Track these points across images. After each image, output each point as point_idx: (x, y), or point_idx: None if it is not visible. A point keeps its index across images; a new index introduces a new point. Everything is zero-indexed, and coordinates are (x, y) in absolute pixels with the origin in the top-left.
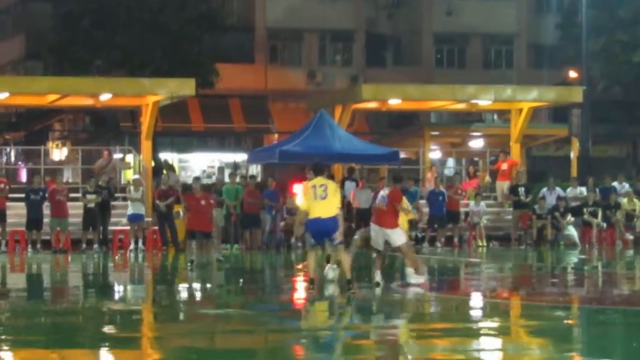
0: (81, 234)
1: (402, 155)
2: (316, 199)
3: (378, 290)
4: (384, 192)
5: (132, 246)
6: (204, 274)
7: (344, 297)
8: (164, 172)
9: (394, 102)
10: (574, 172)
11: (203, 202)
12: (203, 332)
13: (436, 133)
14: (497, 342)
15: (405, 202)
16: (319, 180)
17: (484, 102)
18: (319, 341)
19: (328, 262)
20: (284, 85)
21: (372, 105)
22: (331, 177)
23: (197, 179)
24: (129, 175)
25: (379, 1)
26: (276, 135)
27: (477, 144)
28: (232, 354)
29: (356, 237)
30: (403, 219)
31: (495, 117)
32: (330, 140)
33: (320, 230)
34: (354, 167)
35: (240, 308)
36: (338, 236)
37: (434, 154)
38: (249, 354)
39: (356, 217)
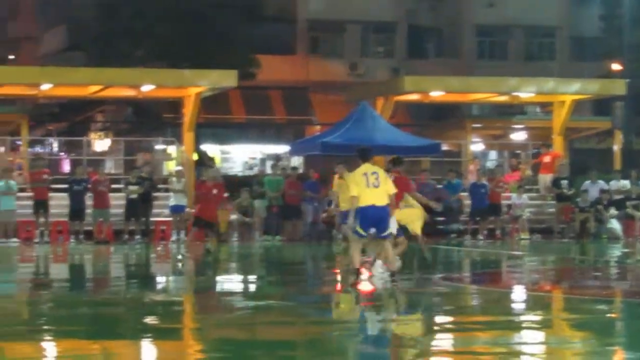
0: (123, 225)
1: (444, 147)
2: (369, 186)
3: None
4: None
5: (173, 237)
6: (244, 265)
7: (389, 288)
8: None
9: (436, 94)
10: (616, 164)
11: (215, 192)
12: (243, 324)
13: (478, 125)
14: (539, 335)
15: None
16: (369, 167)
17: (526, 94)
18: (360, 333)
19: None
20: (325, 76)
21: (414, 97)
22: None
23: (211, 168)
24: (171, 166)
25: None
26: (317, 127)
27: (519, 136)
28: (271, 345)
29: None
30: (417, 209)
31: (538, 109)
32: (372, 132)
33: (372, 217)
34: (399, 158)
35: (280, 300)
36: (390, 227)
37: (476, 146)
38: (288, 346)
39: None
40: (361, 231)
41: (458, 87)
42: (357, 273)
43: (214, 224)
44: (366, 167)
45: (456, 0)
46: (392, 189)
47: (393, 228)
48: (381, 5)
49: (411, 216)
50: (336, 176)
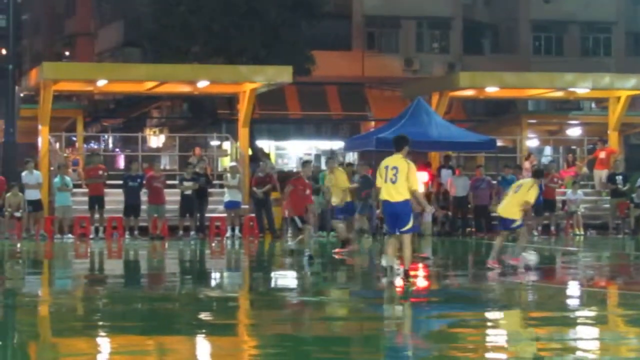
0: (178, 221)
1: (499, 143)
2: (386, 181)
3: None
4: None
5: (228, 233)
6: (299, 261)
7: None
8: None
9: (491, 90)
10: None
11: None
12: (298, 320)
13: (533, 121)
14: (594, 331)
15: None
16: (393, 160)
17: (581, 90)
18: (413, 329)
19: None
20: (381, 72)
21: (469, 92)
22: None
23: (307, 162)
24: (226, 162)
25: None
26: (373, 123)
27: (574, 132)
28: (326, 341)
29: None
30: None
31: (593, 105)
32: (427, 127)
33: (388, 213)
34: (450, 154)
35: (333, 296)
36: (409, 224)
37: (531, 142)
38: (342, 342)
39: (453, 205)
40: (386, 227)
41: (513, 83)
42: (405, 273)
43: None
44: (389, 160)
45: None
46: (415, 185)
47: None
48: (436, 0)
49: None
50: (327, 171)
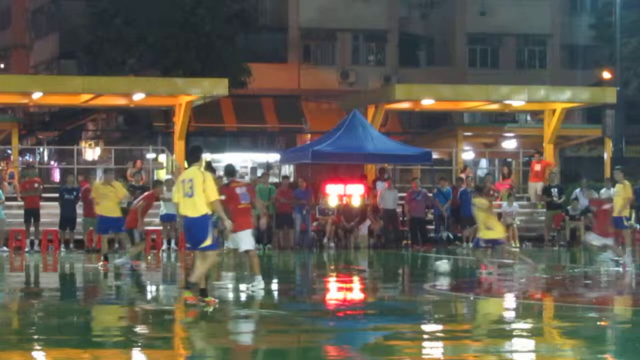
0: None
1: (435, 155)
2: (184, 196)
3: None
4: (241, 190)
5: (164, 246)
6: (237, 274)
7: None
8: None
9: (427, 102)
10: (607, 172)
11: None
12: (235, 333)
13: (469, 133)
14: (529, 343)
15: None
16: (189, 173)
17: (517, 102)
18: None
19: None
20: (317, 85)
21: (405, 105)
22: (210, 168)
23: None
24: (162, 175)
25: (412, 1)
26: (309, 135)
27: (510, 144)
28: (263, 354)
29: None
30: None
31: (529, 117)
32: (363, 140)
33: (187, 230)
34: (385, 167)
35: (273, 308)
36: (208, 240)
37: (467, 154)
38: (280, 354)
39: (383, 218)
40: (187, 244)
41: (449, 95)
42: (190, 285)
43: None
44: (185, 174)
45: (448, 9)
46: (212, 196)
47: (246, 245)
48: (373, 13)
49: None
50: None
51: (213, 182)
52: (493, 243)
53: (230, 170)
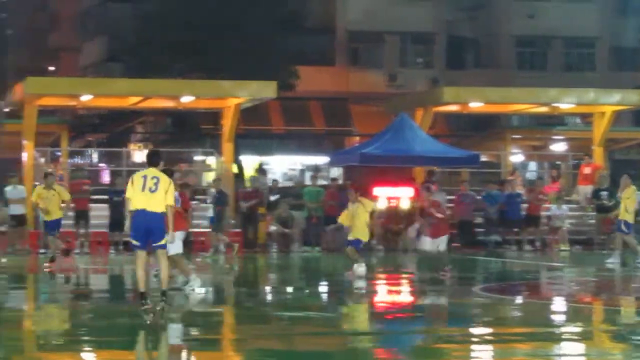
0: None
1: (483, 158)
2: (144, 190)
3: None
4: (176, 194)
5: (212, 248)
6: (284, 276)
7: (150, 310)
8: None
9: (475, 105)
10: None
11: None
12: (280, 335)
13: (518, 136)
14: (578, 347)
15: None
16: (152, 172)
17: (565, 105)
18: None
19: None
20: (365, 87)
21: (453, 107)
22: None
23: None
24: (210, 177)
25: (459, 4)
26: (357, 138)
27: (559, 147)
28: (308, 356)
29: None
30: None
31: (578, 120)
32: (410, 142)
33: (143, 225)
34: (434, 170)
35: (318, 311)
36: (167, 238)
37: (515, 157)
38: (328, 357)
39: None
40: (135, 242)
41: (497, 98)
42: (142, 296)
43: None
44: (147, 172)
45: (495, 11)
46: (172, 200)
47: (172, 249)
48: (420, 16)
49: None
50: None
51: (173, 189)
52: None
53: (169, 174)
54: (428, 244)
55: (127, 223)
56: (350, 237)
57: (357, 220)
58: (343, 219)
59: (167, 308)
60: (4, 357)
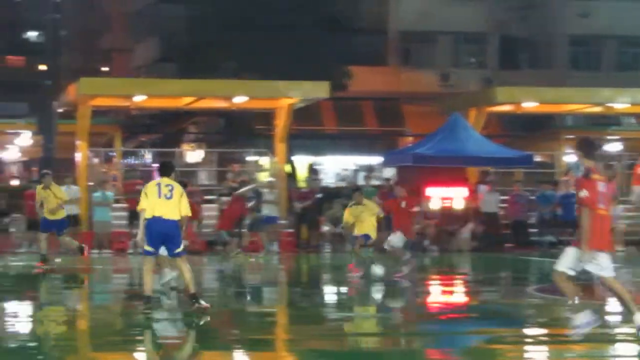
0: (215, 236)
1: (537, 158)
2: (160, 197)
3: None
4: None
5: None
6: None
7: (191, 310)
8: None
9: (529, 105)
10: None
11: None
12: (336, 335)
13: (571, 136)
14: (633, 348)
15: None
16: (166, 180)
17: (620, 105)
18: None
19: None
20: (417, 87)
21: (507, 108)
22: (183, 184)
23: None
24: (264, 177)
25: (512, 3)
26: (410, 138)
27: (613, 147)
28: (363, 356)
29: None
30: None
31: (633, 120)
32: (464, 143)
33: (160, 231)
34: (487, 170)
35: (374, 311)
36: (181, 245)
37: (569, 157)
38: (381, 357)
39: (484, 221)
40: (148, 248)
41: (551, 98)
42: (147, 299)
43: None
44: (161, 180)
45: (548, 11)
46: (186, 210)
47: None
48: (472, 16)
49: None
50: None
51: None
52: None
53: (182, 185)
54: None
55: (140, 234)
56: (357, 233)
57: (363, 221)
58: (347, 217)
59: (202, 309)
60: (59, 356)
